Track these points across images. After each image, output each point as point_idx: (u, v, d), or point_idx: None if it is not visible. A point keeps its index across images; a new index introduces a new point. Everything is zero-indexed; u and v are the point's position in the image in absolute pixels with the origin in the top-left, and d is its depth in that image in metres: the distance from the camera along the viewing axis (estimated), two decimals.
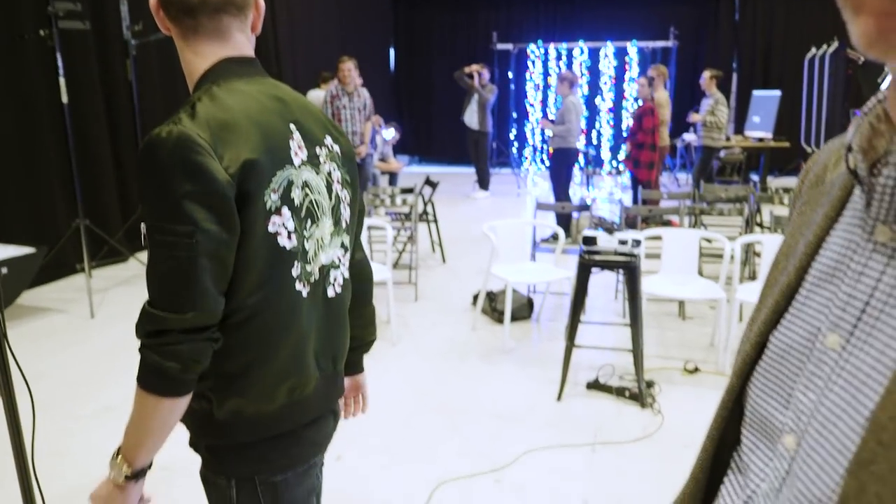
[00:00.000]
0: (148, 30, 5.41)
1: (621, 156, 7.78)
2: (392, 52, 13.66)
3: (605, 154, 12.03)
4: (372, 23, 12.35)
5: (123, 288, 5.48)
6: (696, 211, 5.09)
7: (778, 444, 0.53)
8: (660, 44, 11.66)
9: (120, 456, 1.17)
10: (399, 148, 11.01)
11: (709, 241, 5.11)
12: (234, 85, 1.14)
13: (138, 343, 1.09)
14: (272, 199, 1.12)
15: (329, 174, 1.25)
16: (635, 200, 7.25)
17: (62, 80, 4.40)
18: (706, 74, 7.73)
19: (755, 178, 10.13)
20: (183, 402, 1.12)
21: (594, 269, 3.57)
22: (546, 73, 12.44)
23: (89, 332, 4.48)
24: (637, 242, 3.41)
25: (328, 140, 1.27)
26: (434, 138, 13.76)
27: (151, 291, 1.07)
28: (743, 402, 0.60)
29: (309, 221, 1.19)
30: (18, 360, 1.71)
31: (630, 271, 3.43)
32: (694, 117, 7.88)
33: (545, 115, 11.83)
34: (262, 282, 1.14)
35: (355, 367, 1.61)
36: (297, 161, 1.17)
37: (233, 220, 1.07)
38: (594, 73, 12.09)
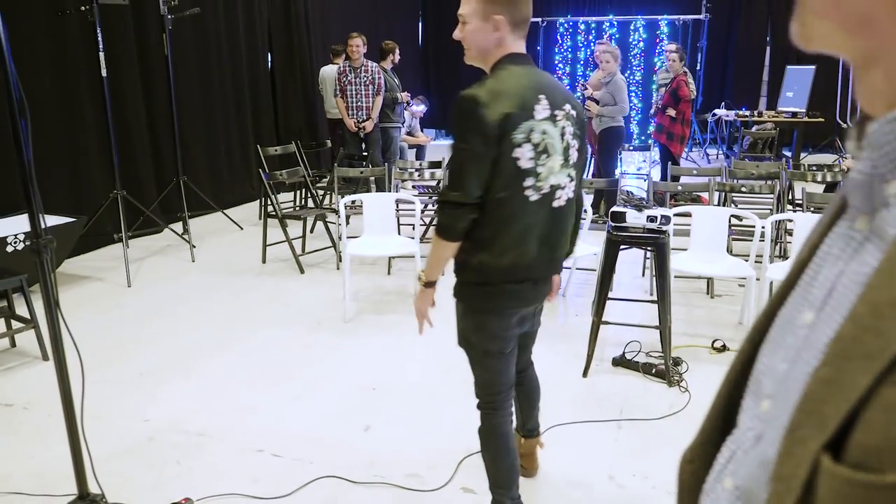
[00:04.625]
0: (183, 5, 5.46)
1: (651, 130, 7.72)
2: (420, 25, 13.57)
3: (634, 128, 11.90)
4: None
5: (158, 257, 5.61)
6: (727, 188, 5.05)
7: (759, 406, 0.58)
8: (691, 17, 11.43)
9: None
10: (426, 122, 11.00)
11: (738, 218, 5.07)
12: (511, 69, 1.92)
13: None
14: (517, 137, 1.84)
15: (563, 128, 1.96)
16: (664, 176, 7.17)
17: (102, 55, 4.47)
18: (674, 47, 7.44)
19: (788, 154, 9.97)
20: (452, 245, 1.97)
21: (622, 246, 3.58)
22: (575, 48, 12.28)
23: (126, 300, 4.60)
24: (666, 220, 3.40)
25: (567, 107, 1.98)
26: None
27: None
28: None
29: (544, 155, 1.91)
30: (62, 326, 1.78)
31: (659, 248, 3.42)
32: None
33: (585, 97, 11.69)
34: (506, 186, 1.88)
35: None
36: (539, 116, 1.89)
37: (491, 146, 1.84)
38: (623, 47, 11.90)
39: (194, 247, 5.70)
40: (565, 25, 12.13)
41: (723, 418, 0.70)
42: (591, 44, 11.92)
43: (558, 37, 12.27)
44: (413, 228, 6.22)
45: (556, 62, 12.43)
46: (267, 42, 8.23)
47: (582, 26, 12.10)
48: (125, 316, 4.34)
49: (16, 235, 4.20)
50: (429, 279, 2.11)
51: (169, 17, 5.26)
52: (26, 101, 1.59)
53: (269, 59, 8.37)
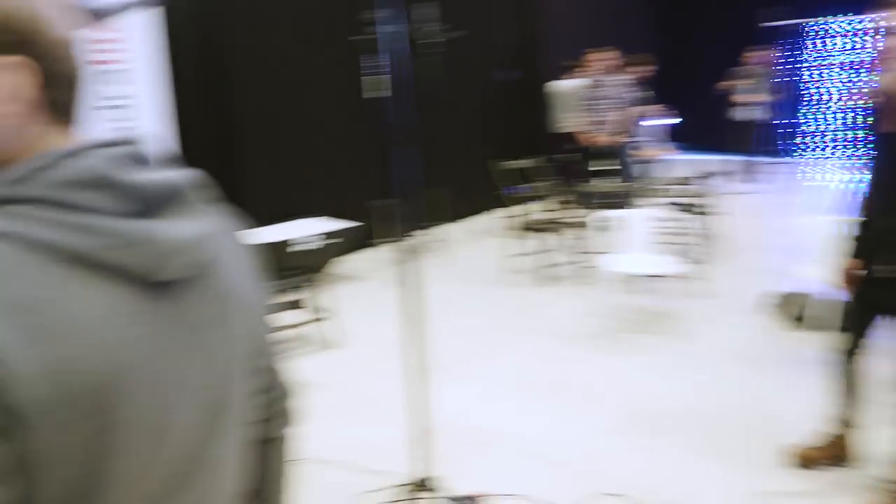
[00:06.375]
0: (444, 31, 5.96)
1: None
2: (656, 39, 13.22)
3: None
4: (635, 11, 12.19)
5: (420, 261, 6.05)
6: None
7: None
8: None
9: None
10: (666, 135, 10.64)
11: None
12: None
13: None
14: None
15: None
16: None
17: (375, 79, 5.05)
18: None
19: None
20: None
21: None
22: (831, 51, 11.17)
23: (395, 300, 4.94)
24: None
25: None
26: (696, 126, 13.09)
27: None
28: None
29: None
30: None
31: None
32: None
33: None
34: None
35: None
36: None
37: None
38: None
39: (446, 253, 6.02)
40: (838, 27, 11.05)
41: None
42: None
43: (818, 42, 11.26)
44: (681, 247, 6.00)
45: (810, 70, 11.39)
46: (508, 61, 8.53)
47: (842, 27, 10.98)
48: (394, 315, 4.63)
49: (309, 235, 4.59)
50: None
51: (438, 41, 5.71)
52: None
53: (512, 75, 8.63)
